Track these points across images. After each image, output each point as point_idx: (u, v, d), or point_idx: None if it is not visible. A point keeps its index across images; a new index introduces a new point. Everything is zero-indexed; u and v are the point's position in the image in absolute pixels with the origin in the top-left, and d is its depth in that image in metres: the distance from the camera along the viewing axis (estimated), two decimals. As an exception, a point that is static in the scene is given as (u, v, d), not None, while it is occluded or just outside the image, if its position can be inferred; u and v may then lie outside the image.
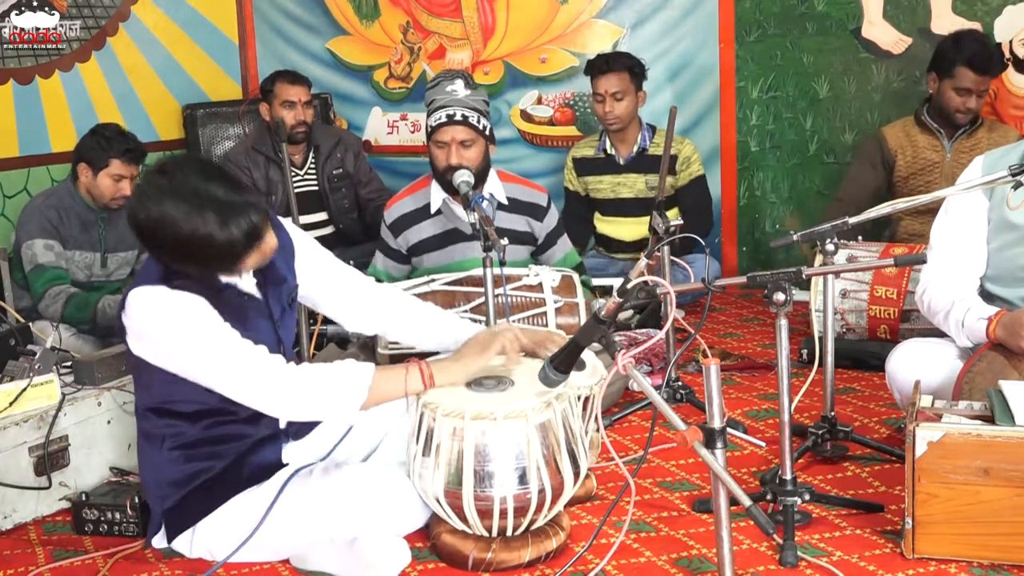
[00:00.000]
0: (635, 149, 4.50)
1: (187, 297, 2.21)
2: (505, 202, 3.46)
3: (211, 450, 2.34)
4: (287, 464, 2.43)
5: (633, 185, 4.54)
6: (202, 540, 2.35)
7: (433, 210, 3.45)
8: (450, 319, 2.70)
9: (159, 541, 2.41)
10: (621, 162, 4.54)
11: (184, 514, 2.34)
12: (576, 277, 3.34)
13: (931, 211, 3.62)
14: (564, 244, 3.65)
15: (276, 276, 2.43)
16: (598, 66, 4.42)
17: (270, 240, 2.26)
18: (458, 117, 3.25)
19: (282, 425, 2.43)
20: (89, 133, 3.86)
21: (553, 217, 3.59)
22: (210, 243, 2.13)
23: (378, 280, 3.52)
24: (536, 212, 3.53)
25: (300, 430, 2.51)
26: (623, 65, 4.39)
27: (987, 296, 2.71)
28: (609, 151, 4.55)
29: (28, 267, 3.75)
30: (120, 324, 2.29)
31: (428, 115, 3.29)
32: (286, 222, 2.54)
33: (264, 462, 2.40)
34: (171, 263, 2.23)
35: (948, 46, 3.97)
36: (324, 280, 2.58)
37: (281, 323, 2.45)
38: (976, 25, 4.50)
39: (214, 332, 2.22)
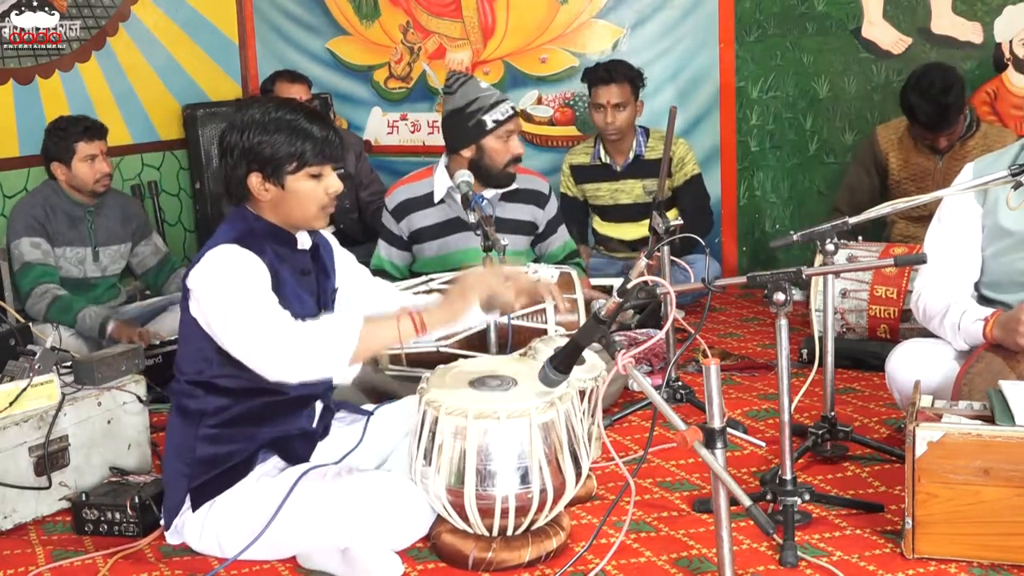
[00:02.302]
0: (631, 156, 4.50)
1: (251, 257, 2.28)
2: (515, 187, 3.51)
3: (249, 431, 2.36)
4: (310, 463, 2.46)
5: (631, 191, 4.54)
6: (212, 529, 2.35)
7: (437, 199, 3.48)
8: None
9: (172, 536, 2.42)
10: (618, 169, 4.53)
11: (211, 490, 2.35)
12: (575, 274, 3.34)
13: (925, 216, 3.64)
14: (563, 233, 3.71)
15: (324, 268, 2.54)
16: (600, 76, 4.34)
17: (335, 180, 2.39)
18: (516, 109, 3.42)
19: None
20: (45, 135, 3.87)
21: (554, 206, 3.65)
22: (295, 127, 2.30)
23: (383, 271, 3.55)
24: (540, 199, 3.60)
25: (327, 428, 2.54)
26: (625, 76, 4.32)
27: (986, 303, 2.70)
28: (604, 159, 4.55)
29: (16, 266, 3.77)
30: (184, 287, 2.34)
31: (484, 112, 3.33)
32: None
33: (294, 454, 2.43)
34: (256, 160, 2.30)
35: (905, 95, 3.85)
36: (349, 277, 2.66)
37: (325, 312, 2.51)
38: (976, 25, 4.50)
39: (255, 290, 2.25)
